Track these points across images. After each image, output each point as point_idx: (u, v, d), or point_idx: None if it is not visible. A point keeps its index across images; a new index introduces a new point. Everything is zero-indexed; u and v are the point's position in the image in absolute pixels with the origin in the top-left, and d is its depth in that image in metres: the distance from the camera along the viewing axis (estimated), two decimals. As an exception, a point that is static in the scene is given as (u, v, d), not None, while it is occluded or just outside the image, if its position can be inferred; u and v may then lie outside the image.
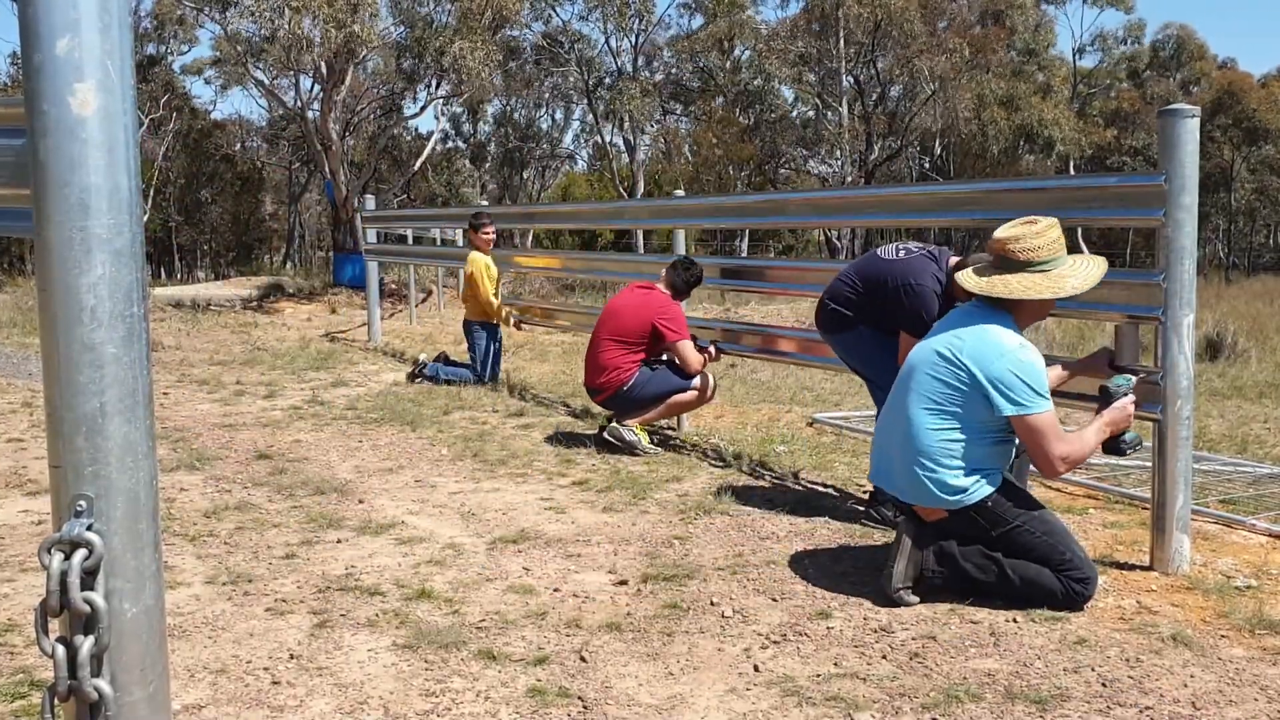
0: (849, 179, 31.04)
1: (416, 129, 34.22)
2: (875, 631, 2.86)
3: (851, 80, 32.12)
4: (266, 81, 19.64)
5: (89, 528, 1.23)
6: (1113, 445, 3.18)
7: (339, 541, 3.71)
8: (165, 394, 6.89)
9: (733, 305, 16.06)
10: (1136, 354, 3.43)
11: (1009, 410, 2.98)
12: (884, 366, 3.85)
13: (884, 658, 2.68)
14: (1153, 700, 2.42)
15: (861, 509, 4.01)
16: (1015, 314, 3.12)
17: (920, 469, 3.07)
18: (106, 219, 1.22)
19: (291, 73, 18.19)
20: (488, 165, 37.68)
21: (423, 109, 21.76)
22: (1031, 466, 3.31)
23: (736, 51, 33.65)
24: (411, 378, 7.48)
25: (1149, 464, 3.63)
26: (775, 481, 4.62)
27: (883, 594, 3.07)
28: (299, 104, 19.17)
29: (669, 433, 5.74)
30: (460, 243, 13.11)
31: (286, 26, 15.53)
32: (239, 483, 4.54)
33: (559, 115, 38.16)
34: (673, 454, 5.16)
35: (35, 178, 1.22)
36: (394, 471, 4.80)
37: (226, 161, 35.63)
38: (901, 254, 3.95)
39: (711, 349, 5.43)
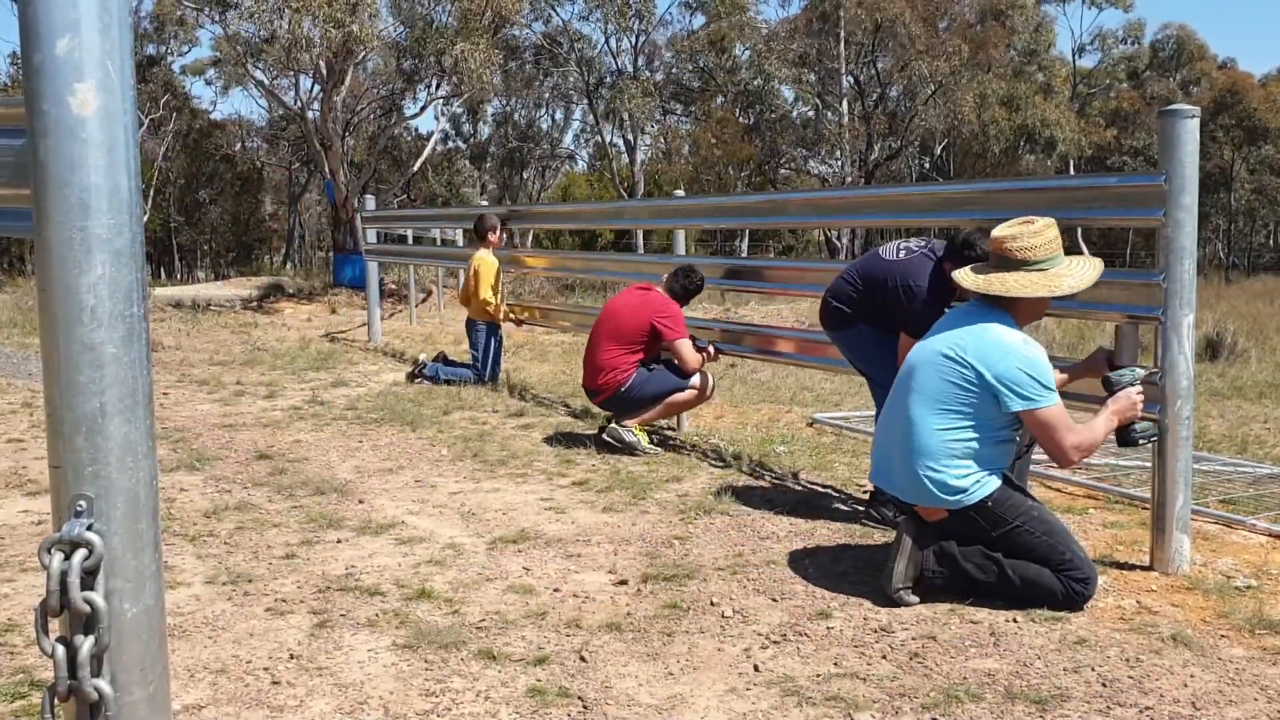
0: (849, 179, 31.06)
1: (416, 129, 34.26)
2: (875, 631, 2.86)
3: (851, 80, 32.13)
4: (266, 82, 19.60)
5: (89, 528, 1.23)
6: (1126, 436, 3.19)
7: (339, 541, 3.71)
8: (165, 394, 6.89)
9: (732, 305, 16.06)
10: (1136, 354, 3.43)
11: (1019, 406, 2.99)
12: (884, 365, 3.87)
13: (884, 658, 2.68)
14: (1153, 700, 2.42)
15: (862, 509, 4.01)
16: (1013, 313, 3.14)
17: (921, 469, 3.07)
18: (106, 219, 1.22)
19: (291, 73, 18.17)
20: (488, 165, 37.67)
21: (423, 109, 21.75)
22: (1031, 467, 3.31)
23: (736, 51, 33.64)
24: (411, 378, 7.48)
25: (1149, 464, 3.63)
26: (775, 482, 4.62)
27: (883, 594, 3.07)
28: (299, 104, 19.13)
29: (669, 433, 5.74)
30: (460, 243, 13.13)
31: (286, 27, 15.52)
32: (239, 483, 4.54)
33: (559, 115, 38.23)
34: (673, 454, 5.16)
35: (35, 178, 1.22)
36: (394, 471, 4.80)
37: (226, 162, 35.63)
38: (902, 254, 3.97)
39: (710, 349, 5.42)
